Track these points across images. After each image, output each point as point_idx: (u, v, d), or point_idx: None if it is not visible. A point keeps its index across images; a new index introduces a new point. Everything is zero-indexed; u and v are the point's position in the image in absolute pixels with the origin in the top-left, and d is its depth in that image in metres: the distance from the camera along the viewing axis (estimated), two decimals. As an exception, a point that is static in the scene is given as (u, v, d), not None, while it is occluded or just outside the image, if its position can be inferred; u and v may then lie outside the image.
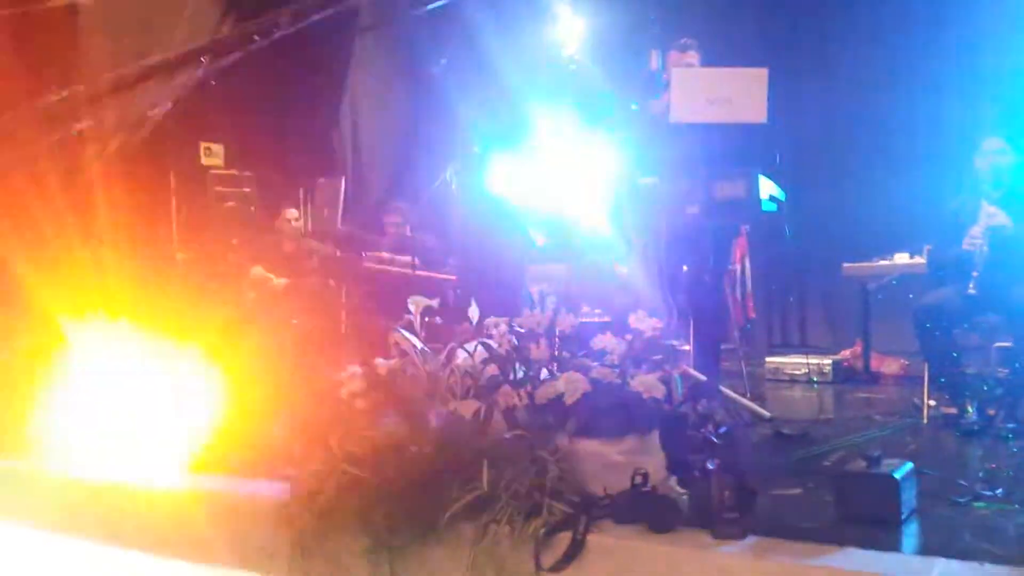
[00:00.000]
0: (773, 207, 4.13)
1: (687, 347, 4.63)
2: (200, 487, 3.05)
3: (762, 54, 7.69)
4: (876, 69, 7.16)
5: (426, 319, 5.10)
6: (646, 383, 2.75)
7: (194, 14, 7.39)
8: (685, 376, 4.18)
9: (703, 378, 4.06)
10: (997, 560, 2.15)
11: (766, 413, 4.27)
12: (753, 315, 6.06)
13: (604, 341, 2.99)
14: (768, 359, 6.14)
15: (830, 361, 5.84)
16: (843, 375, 5.82)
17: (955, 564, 2.14)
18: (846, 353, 6.08)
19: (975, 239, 4.02)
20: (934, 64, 6.88)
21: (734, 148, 3.84)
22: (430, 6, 2.88)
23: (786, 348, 7.78)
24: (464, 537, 2.51)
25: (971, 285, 3.93)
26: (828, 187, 7.54)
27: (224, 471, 3.19)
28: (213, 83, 2.75)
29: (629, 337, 3.01)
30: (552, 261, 6.51)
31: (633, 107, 3.86)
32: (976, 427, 3.83)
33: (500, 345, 2.90)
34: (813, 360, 5.89)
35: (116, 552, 3.02)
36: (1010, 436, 3.69)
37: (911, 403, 4.49)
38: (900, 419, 4.25)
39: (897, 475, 2.50)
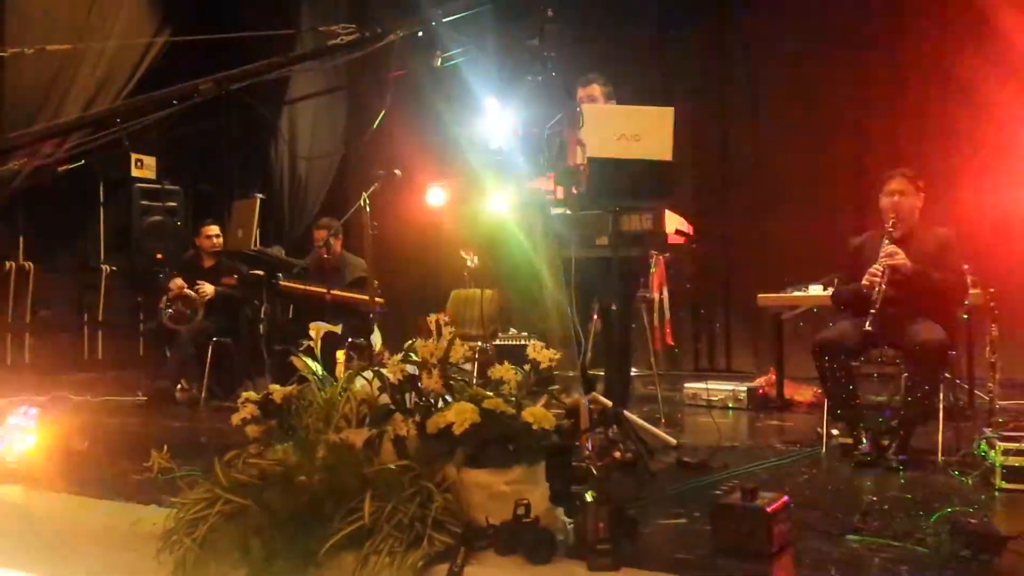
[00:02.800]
0: (680, 240, 4.23)
1: (600, 373, 4.72)
2: (80, 508, 3.02)
3: (687, 96, 8.04)
4: (800, 102, 7.46)
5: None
6: (536, 415, 2.79)
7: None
8: (593, 403, 4.26)
9: (610, 405, 4.12)
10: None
11: (672, 440, 4.34)
12: (671, 342, 6.17)
13: (500, 371, 3.05)
14: (687, 385, 6.26)
15: (745, 388, 5.97)
16: (757, 402, 5.95)
17: (812, 598, 2.21)
18: (761, 380, 6.21)
19: (874, 276, 4.15)
20: (853, 99, 7.19)
21: (641, 183, 3.91)
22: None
23: (712, 374, 7.98)
24: (344, 567, 2.51)
25: (868, 322, 4.06)
26: (753, 220, 7.84)
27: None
28: (126, 142, 2.74)
29: (527, 368, 3.07)
30: (481, 285, 6.59)
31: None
32: (868, 458, 3.94)
33: (394, 374, 2.91)
34: (728, 387, 6.03)
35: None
36: (900, 467, 3.81)
37: (816, 432, 4.60)
38: (800, 448, 4.36)
39: (770, 508, 2.57)
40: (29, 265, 7.67)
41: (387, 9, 8.50)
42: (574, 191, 3.92)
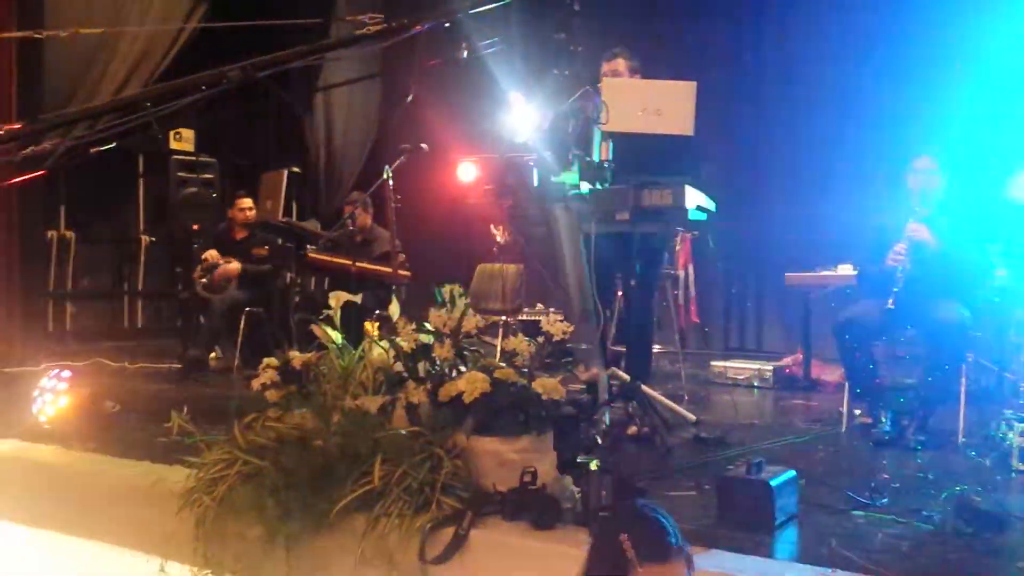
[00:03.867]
0: (703, 216, 4.22)
1: (620, 349, 4.75)
2: (108, 466, 3.13)
3: (720, 74, 7.99)
4: (830, 87, 7.40)
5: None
6: (546, 385, 2.84)
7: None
8: (612, 378, 4.30)
9: (627, 379, 4.15)
10: (853, 567, 2.25)
11: (692, 416, 4.36)
12: (696, 319, 6.16)
13: (513, 343, 3.10)
14: (713, 363, 6.26)
15: (771, 367, 5.96)
16: (783, 381, 5.93)
17: (808, 569, 2.24)
18: (788, 360, 6.19)
19: (898, 255, 4.12)
20: (881, 81, 7.11)
21: (663, 158, 3.92)
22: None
23: (740, 352, 7.95)
24: (356, 528, 2.59)
25: (890, 300, 4.03)
26: (785, 199, 7.77)
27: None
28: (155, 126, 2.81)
29: (540, 340, 3.12)
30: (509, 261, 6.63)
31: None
32: (887, 437, 3.93)
33: (407, 343, 2.97)
34: (754, 366, 6.02)
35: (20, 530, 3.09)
36: (919, 447, 3.80)
37: (838, 412, 4.59)
38: (820, 427, 4.35)
39: (774, 482, 2.60)
40: (70, 235, 7.87)
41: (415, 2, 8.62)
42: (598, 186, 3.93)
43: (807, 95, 7.59)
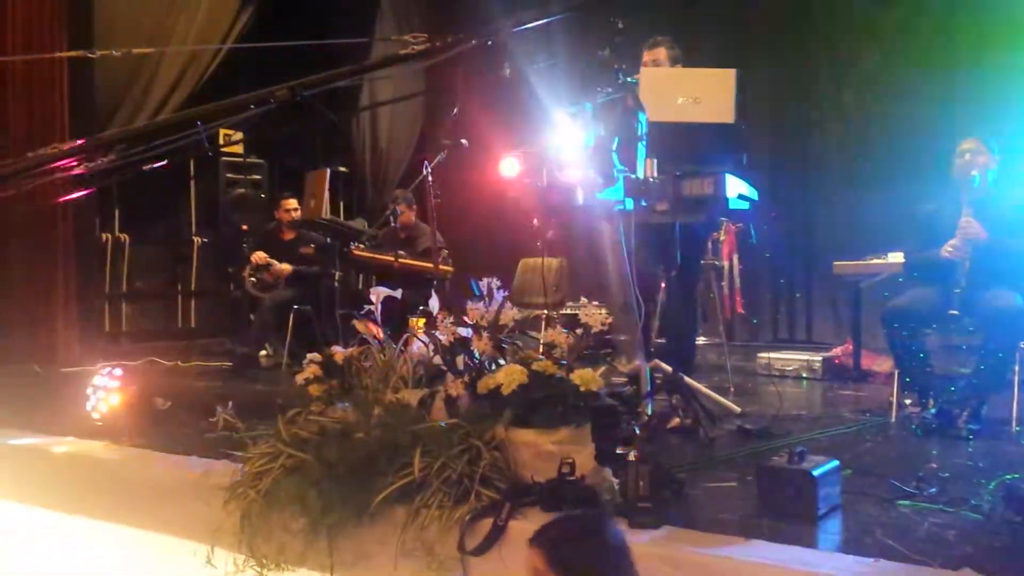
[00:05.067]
0: (745, 205, 4.17)
1: (661, 340, 4.71)
2: (157, 461, 3.21)
3: (769, 63, 7.91)
4: (878, 72, 7.28)
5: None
6: (584, 377, 2.84)
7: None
8: (655, 370, 4.28)
9: (670, 371, 4.12)
10: (897, 557, 2.22)
11: (736, 408, 4.32)
12: (741, 310, 6.10)
13: (552, 335, 3.10)
14: (760, 354, 6.19)
15: (820, 358, 5.87)
16: (833, 372, 5.84)
17: (850, 559, 2.21)
18: (837, 351, 6.09)
19: (958, 250, 4.02)
20: (929, 65, 6.97)
21: (704, 147, 3.89)
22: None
23: (790, 343, 7.85)
24: (396, 520, 2.62)
25: (954, 304, 3.95)
26: (835, 189, 7.67)
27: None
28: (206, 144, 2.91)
29: (579, 331, 3.11)
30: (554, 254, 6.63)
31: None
32: (936, 426, 3.85)
33: (446, 337, 3.00)
34: (803, 357, 5.93)
35: (70, 520, 3.19)
36: (970, 437, 3.72)
37: (888, 402, 4.51)
38: (870, 417, 4.28)
39: (816, 472, 2.56)
40: (124, 237, 8.05)
41: (460, 18, 8.67)
42: (643, 204, 3.92)
43: (854, 81, 7.48)
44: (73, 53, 6.28)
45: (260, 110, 3.00)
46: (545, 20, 3.22)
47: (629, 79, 3.84)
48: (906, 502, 2.70)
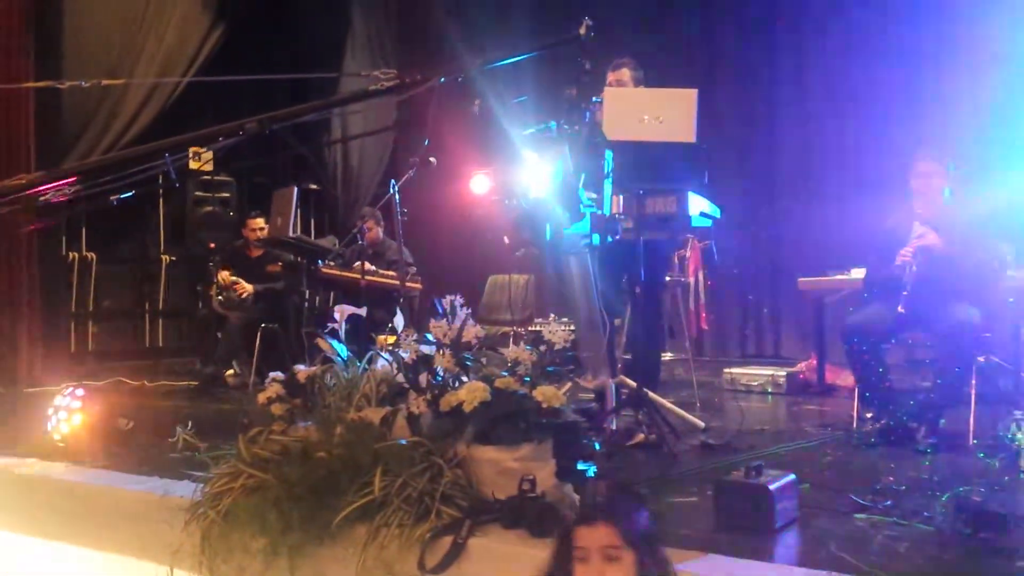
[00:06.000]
0: (707, 223, 4.24)
1: (627, 356, 4.76)
2: (117, 482, 3.19)
3: (732, 82, 8.05)
4: (839, 91, 7.43)
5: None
6: (546, 394, 2.86)
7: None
8: (621, 385, 4.32)
9: (635, 386, 4.16)
10: (849, 569, 2.25)
11: (700, 423, 4.36)
12: (706, 326, 6.16)
13: (515, 352, 3.12)
14: (726, 370, 6.24)
15: (785, 373, 5.94)
16: (797, 387, 5.91)
17: (804, 572, 2.24)
18: (802, 366, 6.16)
19: (905, 257, 4.11)
20: (890, 84, 7.13)
21: (666, 166, 3.94)
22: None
23: (758, 359, 7.94)
24: (357, 539, 2.62)
25: (900, 306, 4.02)
26: (801, 205, 7.79)
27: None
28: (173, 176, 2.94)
29: (543, 348, 3.14)
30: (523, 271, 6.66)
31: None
32: (894, 439, 3.92)
33: (409, 354, 3.01)
34: (769, 371, 6.00)
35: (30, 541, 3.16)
36: (928, 450, 3.77)
37: (849, 416, 4.57)
38: (831, 432, 4.34)
39: (773, 486, 2.60)
40: (91, 255, 7.99)
41: (430, 49, 8.75)
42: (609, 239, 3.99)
43: (818, 100, 7.66)
44: (41, 84, 6.27)
45: (229, 142, 3.03)
46: (514, 59, 3.29)
47: (594, 99, 3.91)
48: (862, 515, 2.75)
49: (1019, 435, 3.43)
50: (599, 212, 3.97)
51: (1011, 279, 4.70)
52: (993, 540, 2.41)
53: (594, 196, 4.03)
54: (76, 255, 7.86)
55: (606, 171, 3.90)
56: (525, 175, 4.16)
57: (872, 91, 7.21)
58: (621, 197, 3.98)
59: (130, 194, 3.13)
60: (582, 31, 3.29)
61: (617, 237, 4.01)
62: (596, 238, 4.00)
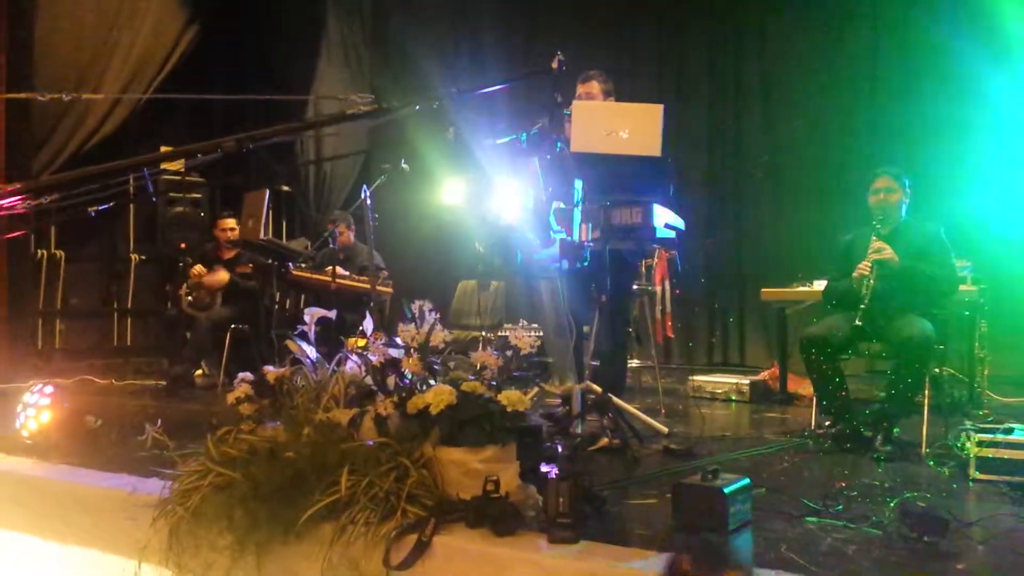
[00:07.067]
0: (671, 234, 4.34)
1: (594, 363, 4.84)
2: (85, 478, 3.22)
3: (699, 95, 8.22)
4: (805, 104, 7.61)
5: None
6: (510, 398, 2.94)
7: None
8: (587, 391, 4.40)
9: (600, 392, 4.25)
10: (797, 569, 2.35)
11: (664, 428, 4.46)
12: (671, 334, 6.27)
13: (481, 357, 3.19)
14: (692, 377, 6.36)
15: (748, 381, 6.06)
16: (760, 395, 6.04)
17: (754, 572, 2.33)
18: (765, 374, 6.29)
19: (863, 271, 4.24)
20: (856, 97, 7.32)
21: (632, 178, 4.04)
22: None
23: (724, 367, 8.09)
24: (323, 536, 2.68)
25: (857, 318, 4.14)
26: (767, 216, 7.96)
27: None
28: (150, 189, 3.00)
29: (509, 353, 3.21)
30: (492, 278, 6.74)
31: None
32: (851, 447, 4.04)
33: (377, 357, 3.07)
34: (733, 379, 6.12)
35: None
36: (882, 458, 3.89)
37: (807, 424, 4.70)
38: (789, 439, 4.45)
39: (727, 489, 2.69)
40: (60, 254, 7.95)
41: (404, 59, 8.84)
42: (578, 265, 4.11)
43: (784, 113, 7.83)
44: (21, 95, 6.26)
45: (207, 159, 3.09)
46: (488, 89, 3.38)
47: (565, 111, 4.00)
48: (813, 519, 2.85)
49: (968, 445, 3.56)
50: (568, 238, 4.08)
51: (964, 293, 4.87)
52: (936, 543, 2.52)
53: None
54: (45, 253, 7.82)
55: (575, 200, 4.01)
56: (497, 200, 4.26)
57: (839, 103, 7.41)
58: (589, 225, 4.12)
59: (108, 206, 3.18)
60: (554, 65, 3.38)
61: (586, 264, 4.14)
62: (565, 264, 4.11)
